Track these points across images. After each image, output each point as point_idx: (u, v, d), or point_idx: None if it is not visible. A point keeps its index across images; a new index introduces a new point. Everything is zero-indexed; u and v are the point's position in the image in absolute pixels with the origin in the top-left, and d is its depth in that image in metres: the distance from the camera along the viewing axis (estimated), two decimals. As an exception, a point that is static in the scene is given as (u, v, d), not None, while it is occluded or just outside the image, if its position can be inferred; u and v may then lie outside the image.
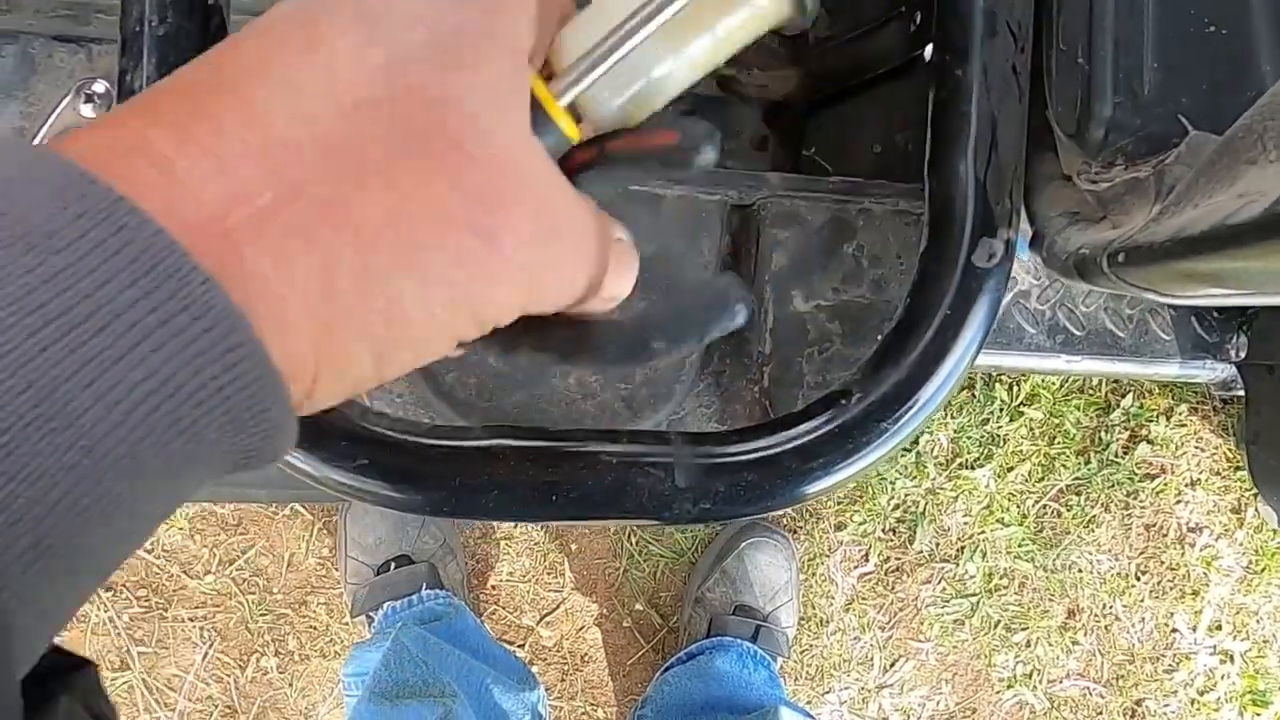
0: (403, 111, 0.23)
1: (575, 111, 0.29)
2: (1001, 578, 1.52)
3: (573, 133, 0.29)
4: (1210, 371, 1.03)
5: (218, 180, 0.21)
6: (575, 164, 0.30)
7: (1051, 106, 0.48)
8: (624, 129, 0.31)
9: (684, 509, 0.47)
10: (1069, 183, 0.51)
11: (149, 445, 0.20)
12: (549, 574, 1.46)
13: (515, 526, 1.46)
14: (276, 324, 0.21)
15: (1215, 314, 0.93)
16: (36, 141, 0.55)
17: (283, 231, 0.21)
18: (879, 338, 0.50)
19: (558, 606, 1.47)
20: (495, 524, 1.45)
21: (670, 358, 0.30)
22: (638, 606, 1.47)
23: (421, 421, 0.48)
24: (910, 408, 0.48)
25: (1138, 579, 1.54)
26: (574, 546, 1.47)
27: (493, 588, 1.46)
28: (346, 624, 1.41)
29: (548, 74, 0.30)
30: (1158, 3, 0.44)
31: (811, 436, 0.48)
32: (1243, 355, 1.00)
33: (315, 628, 1.42)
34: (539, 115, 0.28)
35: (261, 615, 1.39)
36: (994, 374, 1.48)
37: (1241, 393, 1.07)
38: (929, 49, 0.71)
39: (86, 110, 0.54)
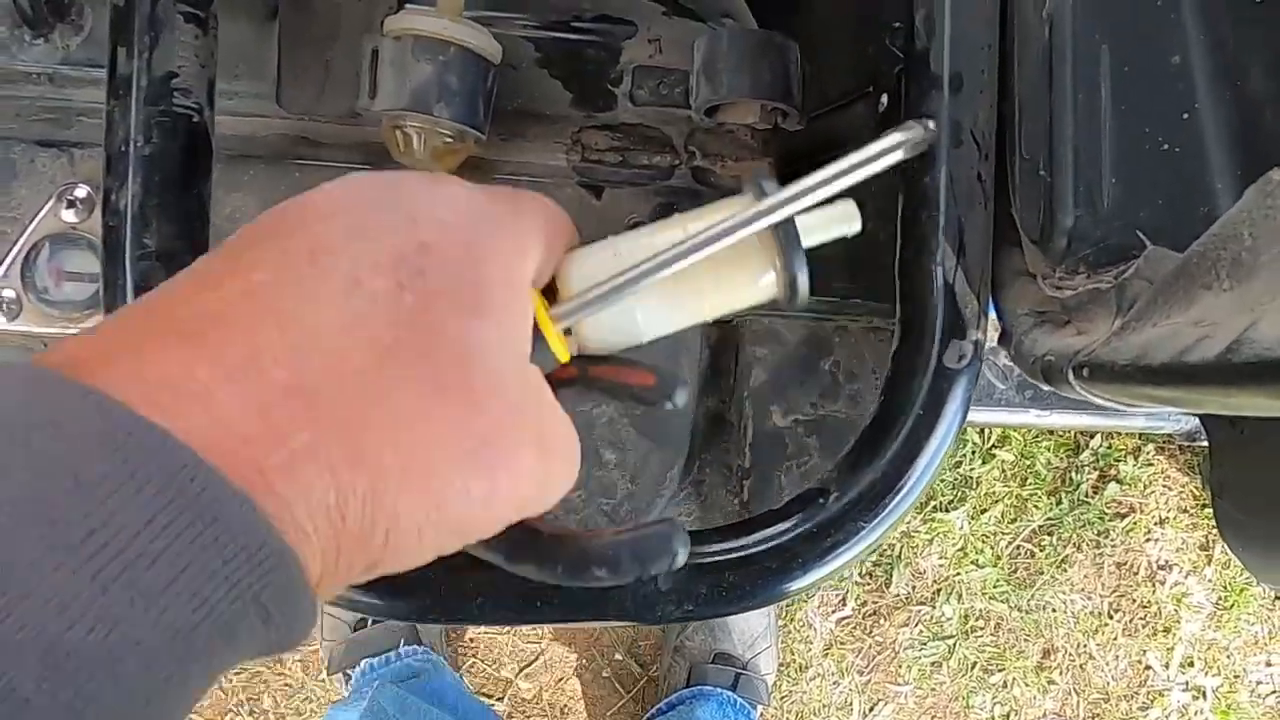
0: (427, 355, 0.26)
1: (568, 331, 0.33)
2: (977, 619, 1.53)
3: (564, 357, 0.32)
4: (1176, 424, 1.05)
5: (259, 424, 0.23)
6: (558, 377, 0.33)
7: (1016, 211, 0.50)
8: (606, 356, 0.34)
9: (667, 610, 0.48)
10: (1036, 280, 0.52)
11: (197, 657, 0.22)
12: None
13: (494, 578, 1.46)
14: (298, 542, 0.24)
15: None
16: (22, 241, 0.55)
17: (310, 470, 0.24)
18: (855, 439, 0.51)
19: (537, 658, 1.46)
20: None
21: (606, 585, 0.33)
22: (617, 656, 1.47)
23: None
24: (886, 506, 0.49)
25: (1110, 617, 1.56)
26: (553, 596, 1.46)
27: (471, 640, 1.45)
28: (323, 681, 1.40)
29: (550, 293, 0.33)
30: (1114, 121, 0.45)
31: (789, 536, 0.49)
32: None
33: (290, 685, 1.40)
34: (538, 336, 0.30)
35: (236, 673, 1.37)
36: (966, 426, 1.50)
37: (1206, 443, 1.10)
38: (897, 131, 0.73)
39: (68, 215, 0.54)
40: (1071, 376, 0.42)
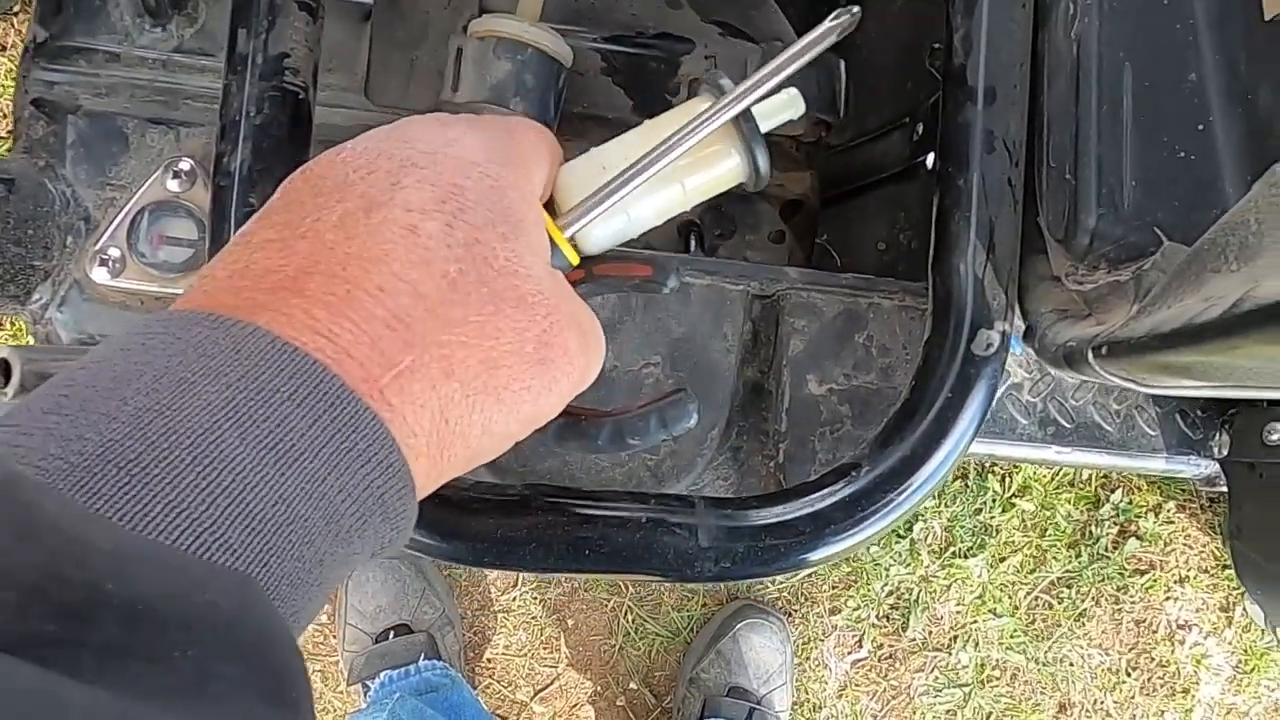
0: (481, 278, 0.31)
1: (572, 239, 0.38)
2: (994, 669, 1.53)
3: (575, 260, 0.37)
4: (1195, 468, 1.07)
5: (371, 352, 0.29)
6: (570, 280, 0.38)
7: (1043, 215, 0.54)
8: (608, 255, 0.39)
9: (705, 568, 0.51)
10: (1058, 283, 0.56)
11: (342, 540, 0.28)
12: (545, 649, 1.47)
13: (514, 599, 1.47)
14: (411, 451, 0.29)
15: (1199, 412, 0.99)
16: (129, 206, 0.60)
17: (415, 385, 0.29)
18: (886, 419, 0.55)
19: (552, 682, 1.47)
20: (494, 597, 1.47)
21: (640, 449, 0.38)
22: (632, 685, 1.47)
23: (464, 478, 0.53)
24: (914, 480, 0.53)
25: (1128, 674, 1.55)
26: (570, 622, 1.48)
27: (489, 661, 1.47)
28: (342, 691, 1.41)
29: (550, 208, 0.38)
30: (1135, 131, 0.50)
31: (824, 504, 0.52)
32: (1225, 452, 1.04)
33: (310, 695, 1.41)
34: (551, 245, 0.36)
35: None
36: (987, 464, 1.52)
37: (1225, 489, 1.12)
38: (930, 157, 0.78)
39: (172, 185, 0.60)
40: (1091, 357, 0.46)
